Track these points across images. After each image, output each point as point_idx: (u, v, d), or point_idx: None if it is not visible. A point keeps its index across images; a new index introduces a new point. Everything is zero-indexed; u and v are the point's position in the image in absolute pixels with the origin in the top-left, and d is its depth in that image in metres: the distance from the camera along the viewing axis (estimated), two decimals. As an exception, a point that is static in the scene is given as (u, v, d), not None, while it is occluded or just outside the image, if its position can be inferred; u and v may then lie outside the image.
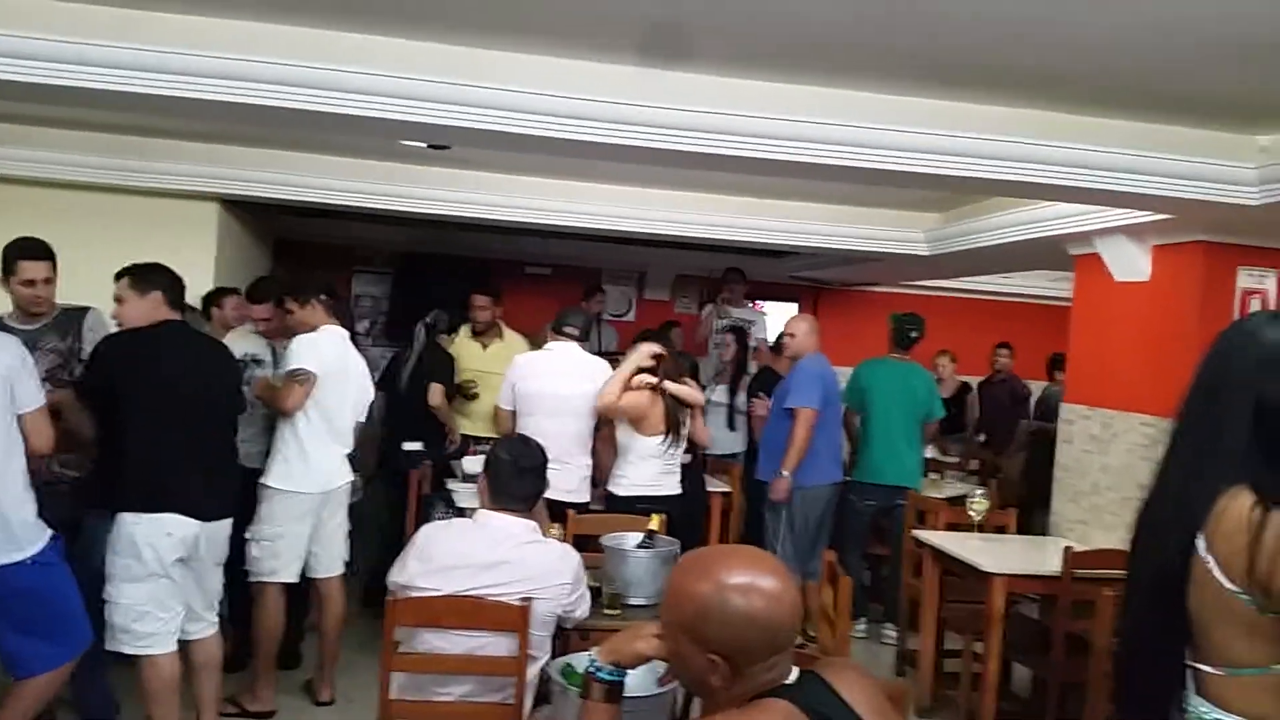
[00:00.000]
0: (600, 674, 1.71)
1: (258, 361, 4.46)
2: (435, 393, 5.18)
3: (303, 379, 3.90)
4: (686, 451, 4.62)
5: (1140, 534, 1.69)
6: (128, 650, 3.26)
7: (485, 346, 5.59)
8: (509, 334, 5.73)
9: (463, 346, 5.59)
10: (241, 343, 4.59)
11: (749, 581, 1.50)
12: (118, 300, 3.47)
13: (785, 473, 5.01)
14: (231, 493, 3.56)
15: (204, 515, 3.36)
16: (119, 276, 3.50)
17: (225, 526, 3.50)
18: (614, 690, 1.71)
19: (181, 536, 3.28)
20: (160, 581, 3.26)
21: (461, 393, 5.48)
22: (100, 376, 3.33)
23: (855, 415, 5.69)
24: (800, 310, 9.25)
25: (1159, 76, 2.92)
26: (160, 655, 3.28)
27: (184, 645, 3.43)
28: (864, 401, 5.65)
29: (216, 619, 3.59)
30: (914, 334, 5.72)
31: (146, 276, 3.44)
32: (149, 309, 3.39)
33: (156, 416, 3.30)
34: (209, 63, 2.93)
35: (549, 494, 3.36)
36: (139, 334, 3.38)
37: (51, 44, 2.87)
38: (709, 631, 1.50)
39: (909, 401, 5.65)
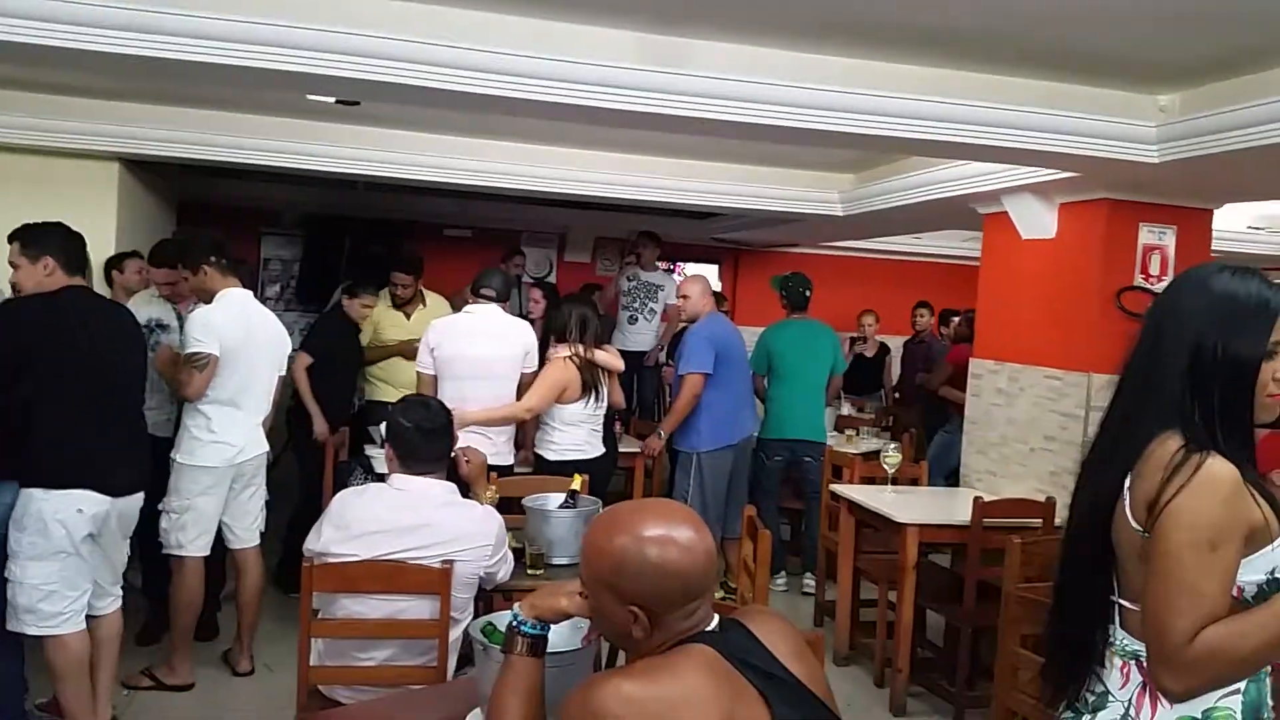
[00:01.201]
0: (524, 628, 1.70)
1: (163, 327, 4.32)
2: (297, 364, 4.92)
3: (201, 363, 3.75)
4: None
5: (1082, 471, 1.74)
6: (32, 631, 3.11)
7: (408, 315, 5.51)
8: (431, 298, 5.65)
9: (385, 315, 5.50)
10: (145, 308, 4.43)
11: (663, 533, 1.52)
12: (13, 266, 3.28)
13: (662, 433, 5.20)
14: (142, 465, 3.43)
15: (116, 490, 3.22)
16: (10, 240, 3.30)
17: (137, 500, 3.38)
18: (537, 644, 1.71)
19: (93, 514, 3.15)
20: (68, 559, 3.12)
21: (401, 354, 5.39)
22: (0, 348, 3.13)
23: (761, 378, 5.80)
24: (720, 272, 9.36)
25: (1066, 35, 2.98)
26: (68, 635, 3.16)
27: (89, 620, 3.30)
28: (771, 364, 5.78)
29: (121, 592, 3.47)
30: (807, 293, 5.90)
31: (38, 240, 3.24)
32: (43, 275, 3.20)
33: (64, 388, 3.13)
34: (110, 13, 2.79)
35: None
36: (39, 301, 3.18)
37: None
38: (626, 584, 1.52)
39: (813, 359, 5.80)
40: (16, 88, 4.74)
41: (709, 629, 1.55)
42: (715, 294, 7.21)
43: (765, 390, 5.82)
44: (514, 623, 1.72)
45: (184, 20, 2.83)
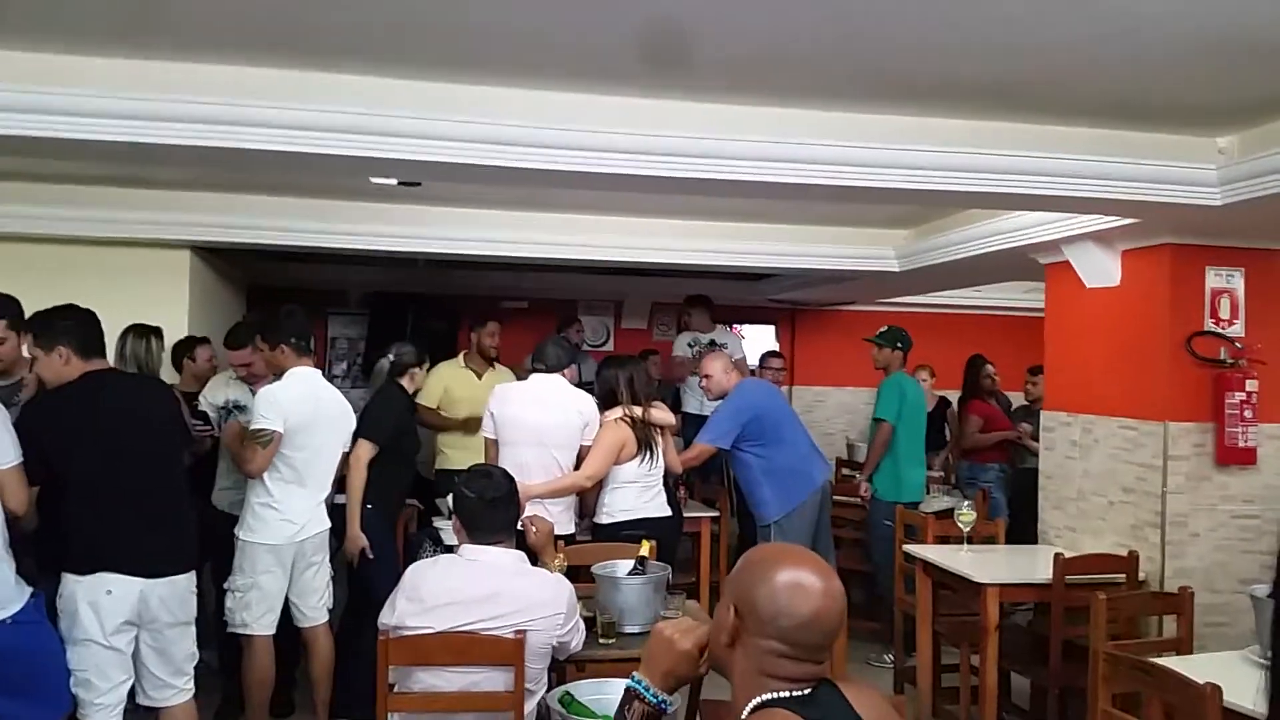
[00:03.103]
0: (648, 694, 1.66)
1: (240, 408, 4.40)
2: (358, 454, 4.26)
3: (265, 439, 3.78)
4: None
5: None
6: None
7: (479, 375, 5.55)
8: (500, 367, 5.72)
9: (456, 375, 5.55)
10: (223, 391, 4.54)
11: (798, 567, 1.55)
12: (32, 357, 3.25)
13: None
14: (186, 545, 3.34)
15: (147, 572, 3.14)
16: (26, 330, 3.29)
17: (181, 583, 3.26)
18: (655, 716, 1.66)
19: (123, 594, 3.10)
20: (100, 650, 3.07)
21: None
22: (26, 448, 3.04)
23: (890, 428, 5.53)
24: (778, 332, 9.34)
25: (1117, 83, 2.98)
26: None
27: (154, 713, 3.30)
28: (899, 416, 5.55)
29: (190, 685, 3.35)
30: (910, 343, 5.78)
31: (48, 330, 3.17)
32: (60, 365, 3.15)
33: (88, 479, 3.11)
34: (190, 108, 2.93)
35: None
36: (55, 397, 3.15)
37: (33, 96, 2.87)
38: (742, 586, 1.56)
39: (924, 417, 5.70)
40: (89, 183, 4.95)
41: (797, 694, 1.52)
42: (771, 352, 7.23)
43: (888, 442, 5.55)
44: (638, 689, 1.67)
45: (260, 111, 2.96)
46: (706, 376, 5.13)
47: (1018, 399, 7.18)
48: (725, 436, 4.87)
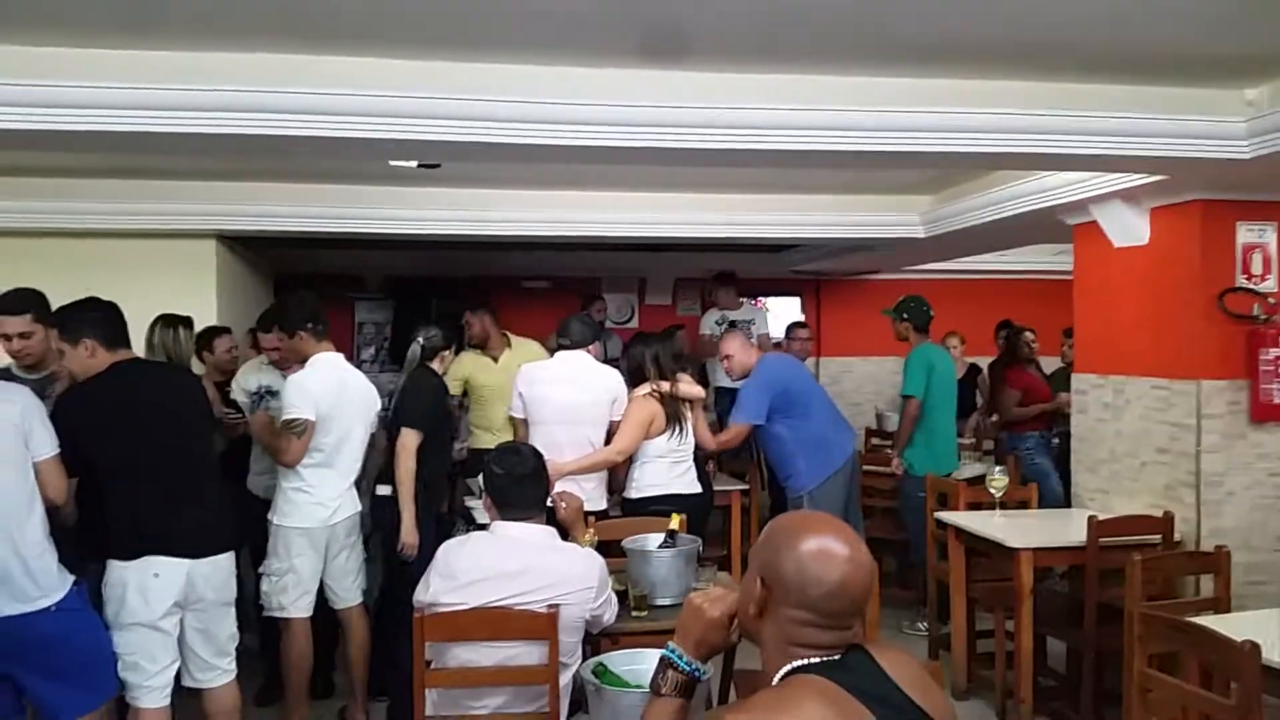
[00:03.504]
0: (680, 662, 1.68)
1: (273, 393, 4.44)
2: (405, 443, 4.16)
3: (299, 429, 3.82)
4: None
5: None
6: (128, 696, 3.18)
7: (495, 359, 5.56)
8: (518, 342, 5.67)
9: (472, 363, 5.58)
10: (255, 376, 4.58)
11: (825, 535, 1.54)
12: (60, 351, 3.31)
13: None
14: (226, 525, 3.39)
15: (194, 553, 3.21)
16: (52, 324, 3.36)
17: (222, 562, 3.32)
18: (690, 685, 1.68)
19: (170, 576, 3.16)
20: (148, 632, 3.14)
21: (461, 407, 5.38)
22: (61, 440, 3.07)
23: (919, 403, 5.43)
24: (803, 304, 9.30)
25: (1139, 37, 2.91)
26: (149, 709, 3.18)
27: (198, 693, 3.36)
28: (927, 390, 5.44)
29: (232, 666, 3.42)
30: (931, 313, 5.67)
31: (72, 323, 3.23)
32: (86, 358, 3.20)
33: (126, 468, 3.17)
34: (200, 96, 2.93)
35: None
36: (84, 390, 3.21)
37: (48, 90, 2.89)
38: (769, 555, 1.56)
39: (954, 387, 5.64)
40: (114, 175, 4.99)
41: (828, 660, 1.53)
42: (796, 323, 7.19)
43: (917, 417, 5.46)
44: (672, 658, 1.69)
45: (280, 98, 2.97)
46: (727, 358, 5.13)
47: (1049, 363, 7.10)
48: (758, 412, 4.89)
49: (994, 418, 7.66)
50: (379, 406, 4.31)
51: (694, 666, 1.67)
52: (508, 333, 5.68)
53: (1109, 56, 3.09)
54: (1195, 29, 2.84)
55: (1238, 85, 3.37)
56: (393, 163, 4.38)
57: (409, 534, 4.13)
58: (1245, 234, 4.24)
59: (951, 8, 2.67)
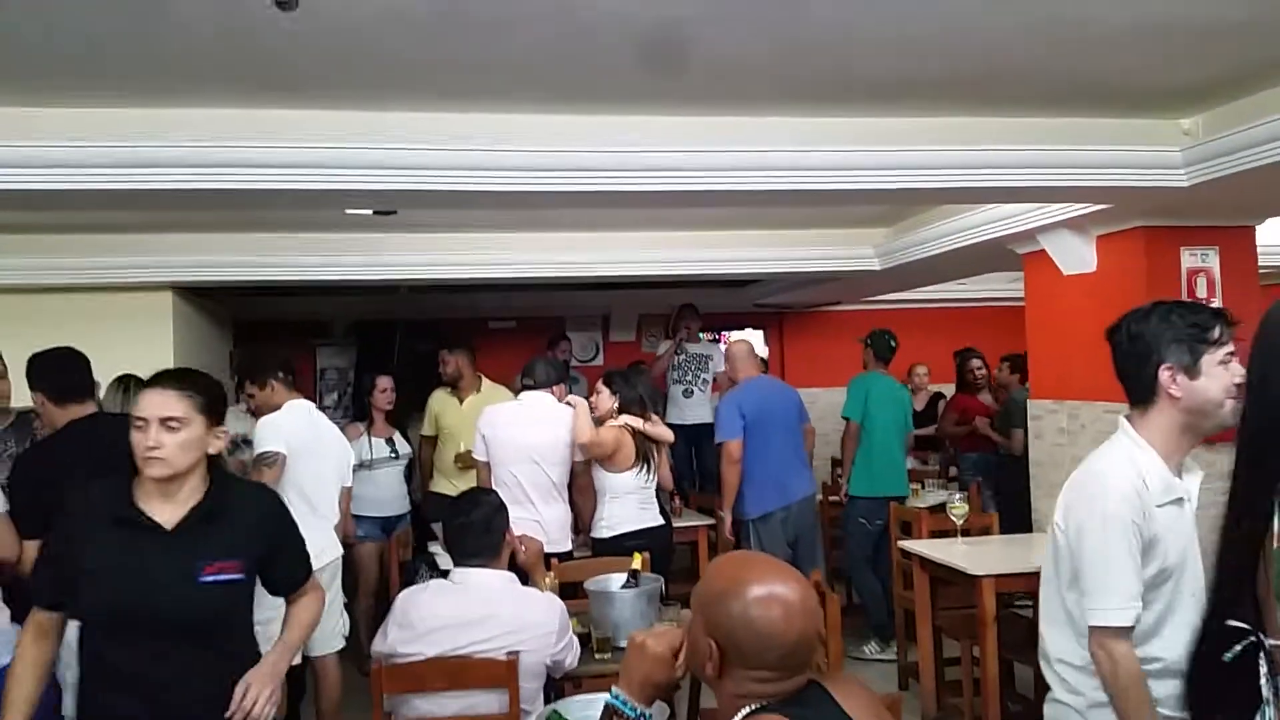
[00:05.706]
0: (625, 709, 1.64)
1: (247, 442, 4.42)
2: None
3: (270, 461, 3.84)
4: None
5: (1224, 521, 1.81)
6: None
7: (461, 401, 5.55)
8: (489, 387, 5.66)
9: (440, 402, 5.56)
10: (234, 424, 4.54)
11: (772, 593, 1.50)
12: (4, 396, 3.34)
13: (723, 514, 5.03)
14: None
15: None
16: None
17: None
18: None
19: None
20: None
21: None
22: (20, 502, 3.01)
23: (856, 425, 5.59)
24: (766, 337, 9.36)
25: (1077, 70, 3.00)
26: None
27: None
28: (865, 414, 5.58)
29: None
30: (894, 345, 5.78)
31: (28, 375, 3.21)
32: (54, 412, 3.19)
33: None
34: (172, 153, 2.96)
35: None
36: (42, 450, 3.18)
37: (11, 150, 2.90)
38: (719, 617, 1.51)
39: (901, 414, 5.70)
40: (69, 231, 4.95)
41: (787, 698, 1.52)
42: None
43: (857, 438, 5.59)
44: (616, 704, 1.65)
45: (237, 152, 2.99)
46: (729, 358, 5.33)
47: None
48: (735, 429, 4.96)
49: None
50: (352, 458, 4.34)
51: (639, 711, 1.64)
52: (483, 375, 5.66)
53: (1049, 90, 3.18)
54: (1128, 62, 2.93)
55: (1174, 115, 3.48)
56: (348, 211, 4.39)
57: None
58: (1189, 258, 4.34)
59: (906, 47, 2.73)
